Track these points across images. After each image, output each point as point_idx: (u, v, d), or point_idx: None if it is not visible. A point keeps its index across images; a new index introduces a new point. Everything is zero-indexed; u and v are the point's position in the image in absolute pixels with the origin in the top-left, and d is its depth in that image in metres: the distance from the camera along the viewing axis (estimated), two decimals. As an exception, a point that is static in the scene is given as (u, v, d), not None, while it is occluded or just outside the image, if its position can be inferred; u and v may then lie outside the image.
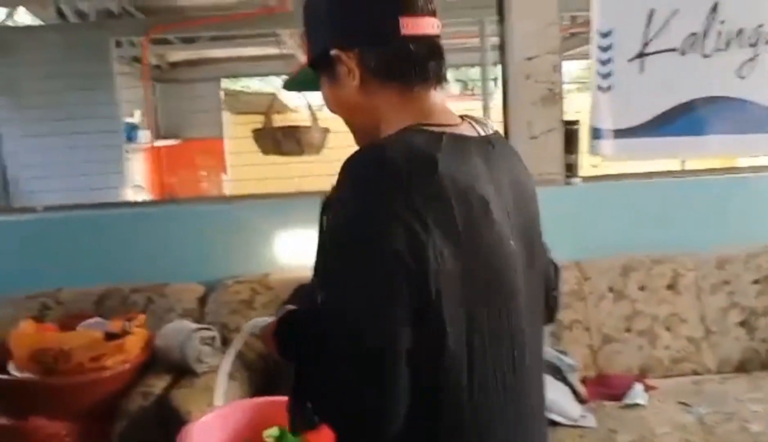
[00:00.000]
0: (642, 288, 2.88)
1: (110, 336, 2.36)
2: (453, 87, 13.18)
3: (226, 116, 7.61)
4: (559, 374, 2.50)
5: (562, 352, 2.62)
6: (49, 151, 3.73)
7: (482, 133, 1.03)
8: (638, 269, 2.89)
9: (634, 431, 2.29)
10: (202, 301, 2.91)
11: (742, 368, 2.79)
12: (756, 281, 2.88)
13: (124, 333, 2.40)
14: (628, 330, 2.83)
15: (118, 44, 5.11)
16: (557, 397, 2.39)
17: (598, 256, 2.94)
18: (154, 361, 2.52)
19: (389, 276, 0.86)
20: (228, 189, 7.00)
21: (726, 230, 3.00)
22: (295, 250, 2.97)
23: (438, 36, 1.04)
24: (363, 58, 1.00)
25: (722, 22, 2.99)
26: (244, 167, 6.81)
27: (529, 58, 2.91)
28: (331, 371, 0.90)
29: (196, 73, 7.30)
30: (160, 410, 2.25)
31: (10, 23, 5.20)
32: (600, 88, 3.02)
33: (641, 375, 2.75)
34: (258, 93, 7.79)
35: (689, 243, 2.95)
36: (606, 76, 3.01)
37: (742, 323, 2.83)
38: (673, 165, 3.39)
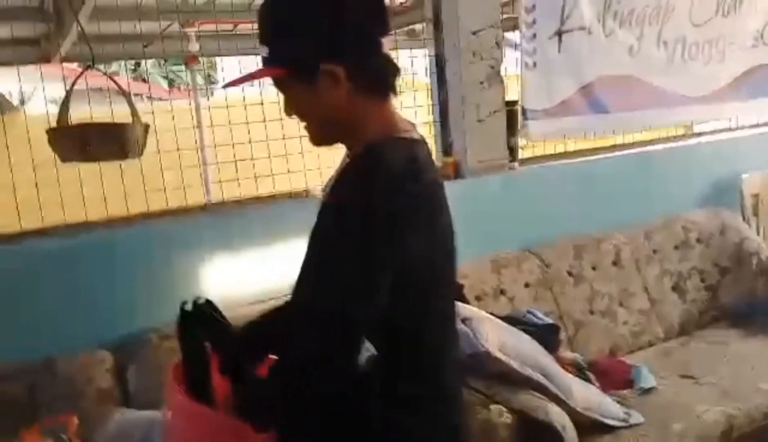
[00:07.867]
0: (594, 268, 2.84)
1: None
2: (162, 83, 12.11)
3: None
4: (583, 373, 2.31)
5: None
6: None
7: (418, 136, 1.17)
8: (587, 250, 2.85)
9: (679, 417, 2.20)
10: (119, 373, 2.03)
11: (683, 330, 2.93)
12: (676, 247, 3.06)
13: (70, 451, 1.50)
14: (591, 312, 2.78)
15: None
16: (598, 397, 2.19)
17: (546, 241, 2.83)
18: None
19: (383, 251, 1.03)
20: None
21: (642, 203, 3.13)
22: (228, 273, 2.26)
23: None
24: (352, 72, 1.08)
25: (618, 1, 3.10)
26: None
27: (475, 33, 2.63)
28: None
29: None
30: None
31: None
32: (527, 65, 2.89)
33: (612, 355, 2.72)
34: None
35: (617, 218, 3.01)
36: (531, 53, 2.90)
37: (674, 288, 2.99)
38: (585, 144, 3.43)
